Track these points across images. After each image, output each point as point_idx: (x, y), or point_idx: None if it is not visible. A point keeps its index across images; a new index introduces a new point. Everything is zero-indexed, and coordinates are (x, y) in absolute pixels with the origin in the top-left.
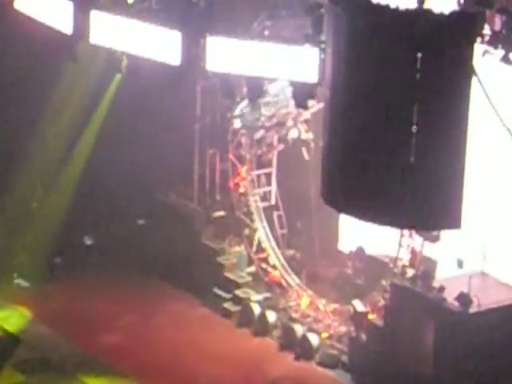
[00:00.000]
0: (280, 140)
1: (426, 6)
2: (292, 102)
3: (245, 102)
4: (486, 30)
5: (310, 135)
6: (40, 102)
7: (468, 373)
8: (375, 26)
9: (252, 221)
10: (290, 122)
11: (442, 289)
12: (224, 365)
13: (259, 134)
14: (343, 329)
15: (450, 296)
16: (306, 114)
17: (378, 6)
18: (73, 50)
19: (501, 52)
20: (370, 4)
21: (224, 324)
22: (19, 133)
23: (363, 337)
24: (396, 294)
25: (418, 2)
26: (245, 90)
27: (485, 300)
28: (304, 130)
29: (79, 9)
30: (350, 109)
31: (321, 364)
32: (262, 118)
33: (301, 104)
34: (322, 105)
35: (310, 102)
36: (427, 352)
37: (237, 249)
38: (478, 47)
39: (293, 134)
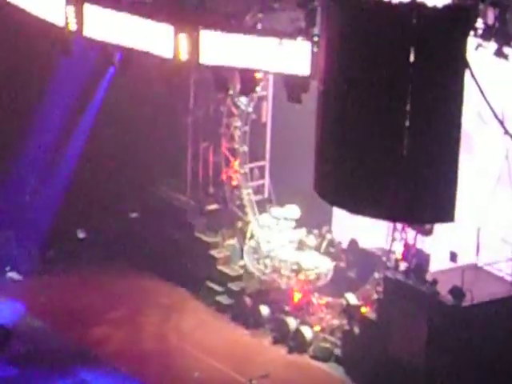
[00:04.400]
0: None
1: None
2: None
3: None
4: (479, 24)
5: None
6: (33, 94)
7: (460, 366)
8: (368, 20)
9: (245, 214)
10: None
11: (434, 282)
12: (217, 358)
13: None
14: (336, 322)
15: (443, 289)
16: None
17: (372, 0)
18: (66, 43)
19: (494, 45)
20: None
21: (217, 317)
22: (12, 125)
23: (356, 330)
24: (389, 287)
25: None
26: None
27: (478, 293)
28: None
29: (72, 2)
30: (342, 102)
31: (314, 357)
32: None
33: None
34: None
35: None
36: (420, 345)
37: (230, 242)
38: (471, 41)
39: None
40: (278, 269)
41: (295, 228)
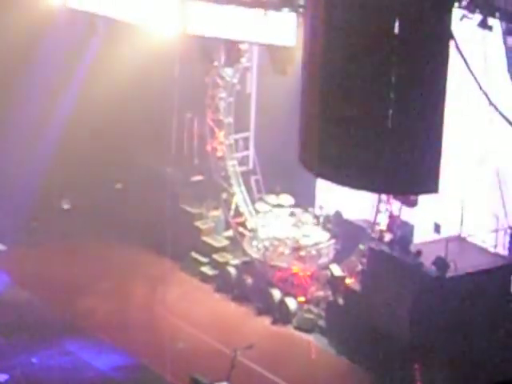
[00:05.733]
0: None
1: None
2: None
3: None
4: None
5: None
6: (18, 66)
7: (444, 336)
8: None
9: (230, 185)
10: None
11: (419, 253)
12: (202, 328)
13: None
14: (320, 293)
15: (427, 260)
16: None
17: None
18: (51, 14)
19: (478, 17)
20: None
21: (202, 288)
22: None
23: (340, 301)
24: (373, 259)
25: None
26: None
27: (461, 264)
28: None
29: None
30: (327, 73)
31: (298, 328)
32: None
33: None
34: None
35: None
36: (403, 316)
37: (214, 213)
38: (456, 12)
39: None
40: (277, 248)
41: (290, 215)
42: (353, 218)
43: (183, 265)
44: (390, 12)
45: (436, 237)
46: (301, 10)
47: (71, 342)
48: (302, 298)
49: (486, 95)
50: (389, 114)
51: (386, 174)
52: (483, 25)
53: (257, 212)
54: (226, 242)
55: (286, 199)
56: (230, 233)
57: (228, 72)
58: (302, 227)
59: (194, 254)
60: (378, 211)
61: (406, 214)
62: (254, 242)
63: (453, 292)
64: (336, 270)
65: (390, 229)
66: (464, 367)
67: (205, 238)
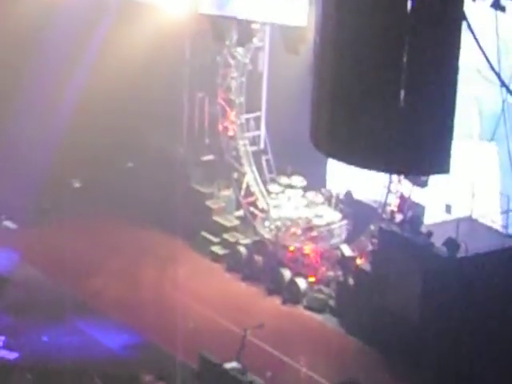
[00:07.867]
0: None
1: None
2: None
3: None
4: None
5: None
6: (26, 47)
7: (454, 316)
8: None
9: (241, 165)
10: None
11: (429, 234)
12: (212, 308)
13: None
14: (331, 273)
15: (438, 241)
16: None
17: None
18: None
19: None
20: None
21: (212, 267)
22: (8, 75)
23: (351, 281)
24: (384, 239)
25: None
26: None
27: (472, 245)
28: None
29: None
30: (339, 53)
31: (308, 308)
32: None
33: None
34: None
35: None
36: (414, 296)
37: (225, 193)
38: None
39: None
40: (289, 228)
41: (302, 196)
42: (364, 198)
43: (194, 244)
44: None
45: (447, 217)
46: None
47: (82, 321)
48: (312, 278)
49: (499, 76)
50: (400, 94)
51: (396, 155)
52: (496, 6)
53: (269, 193)
54: (236, 222)
55: (298, 180)
56: (240, 212)
57: (240, 51)
58: (314, 208)
59: (205, 234)
60: (388, 192)
61: (417, 194)
62: (267, 223)
63: (463, 273)
64: (346, 250)
65: (400, 209)
66: (474, 347)
67: (215, 218)
